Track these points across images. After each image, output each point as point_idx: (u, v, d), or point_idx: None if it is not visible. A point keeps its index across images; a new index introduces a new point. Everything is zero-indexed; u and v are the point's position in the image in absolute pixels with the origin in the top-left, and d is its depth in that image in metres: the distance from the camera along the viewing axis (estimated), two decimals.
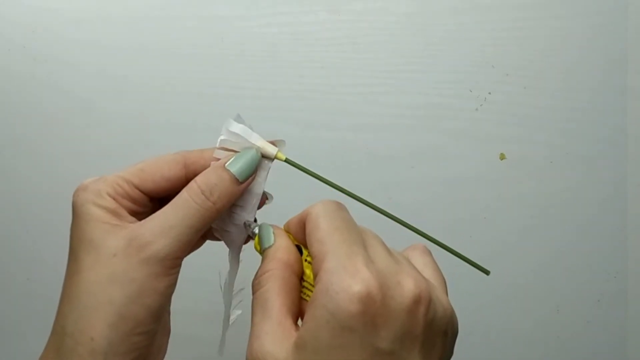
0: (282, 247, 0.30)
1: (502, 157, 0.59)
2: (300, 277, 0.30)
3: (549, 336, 0.60)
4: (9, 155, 0.60)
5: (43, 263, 0.59)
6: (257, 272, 0.30)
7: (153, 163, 0.33)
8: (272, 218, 0.33)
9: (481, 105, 0.59)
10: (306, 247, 0.30)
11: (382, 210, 0.34)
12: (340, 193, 0.33)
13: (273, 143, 0.34)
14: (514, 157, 0.59)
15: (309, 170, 0.33)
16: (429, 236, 0.33)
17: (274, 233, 0.31)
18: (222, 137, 0.33)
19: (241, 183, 0.31)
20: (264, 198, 0.34)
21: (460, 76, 0.59)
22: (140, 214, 0.32)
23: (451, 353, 0.28)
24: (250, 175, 0.32)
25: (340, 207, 0.29)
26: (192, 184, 0.30)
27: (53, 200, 0.60)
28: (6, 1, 0.59)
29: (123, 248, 0.28)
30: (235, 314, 0.35)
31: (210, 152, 0.33)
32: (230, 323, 0.35)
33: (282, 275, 0.29)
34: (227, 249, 0.35)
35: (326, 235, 0.27)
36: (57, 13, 0.59)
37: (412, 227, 0.33)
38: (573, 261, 0.60)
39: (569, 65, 0.59)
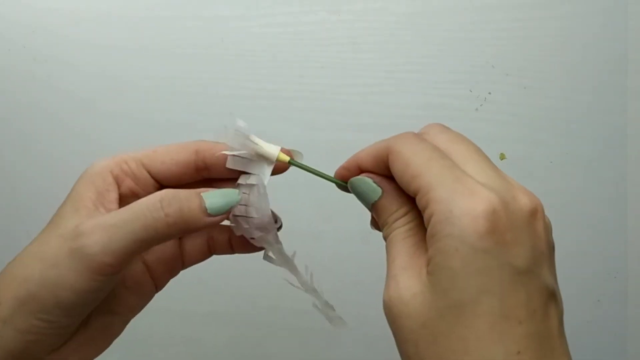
0: (393, 190, 0.27)
1: (502, 157, 0.59)
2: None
3: None
4: (9, 155, 0.60)
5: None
6: (384, 221, 0.28)
7: (166, 146, 0.32)
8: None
9: (481, 105, 0.59)
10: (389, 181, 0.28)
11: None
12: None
13: (288, 153, 0.32)
14: (514, 157, 0.59)
15: (315, 170, 0.32)
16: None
17: (375, 182, 0.28)
18: (236, 125, 0.32)
19: (209, 216, 0.28)
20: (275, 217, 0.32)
21: (460, 76, 0.59)
22: (141, 197, 0.31)
23: None
24: (221, 215, 0.29)
25: (419, 137, 0.27)
26: (155, 193, 0.28)
27: (53, 200, 0.60)
28: (6, 1, 0.59)
29: (67, 231, 0.27)
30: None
31: (223, 145, 0.32)
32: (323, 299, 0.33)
33: (410, 217, 0.27)
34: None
35: (422, 168, 0.25)
36: (57, 13, 0.59)
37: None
38: (573, 261, 0.60)
39: (569, 65, 0.59)
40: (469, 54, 0.59)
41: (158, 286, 0.33)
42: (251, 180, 0.32)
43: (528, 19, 0.59)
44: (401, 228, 0.27)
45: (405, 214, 0.27)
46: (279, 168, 0.32)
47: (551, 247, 0.25)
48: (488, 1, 0.59)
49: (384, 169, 0.28)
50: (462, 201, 0.23)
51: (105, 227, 0.26)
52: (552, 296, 0.25)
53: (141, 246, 0.27)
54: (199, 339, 0.59)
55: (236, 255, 0.35)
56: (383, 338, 0.62)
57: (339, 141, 0.59)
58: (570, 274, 0.61)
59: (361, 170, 0.29)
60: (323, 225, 0.59)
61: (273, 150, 0.32)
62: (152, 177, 0.31)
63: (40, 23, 0.59)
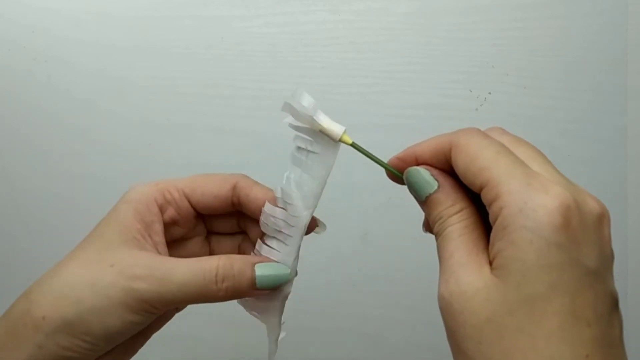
0: (450, 185, 0.27)
1: None
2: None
3: None
4: (9, 155, 0.60)
5: (43, 263, 0.59)
6: (436, 216, 0.27)
7: (205, 177, 0.33)
8: None
9: (481, 105, 0.59)
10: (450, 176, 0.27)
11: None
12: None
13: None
14: None
15: (373, 156, 0.31)
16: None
17: (432, 174, 0.27)
18: (286, 120, 0.31)
19: (256, 289, 0.30)
20: (314, 224, 0.32)
21: (460, 76, 0.59)
22: (180, 226, 0.33)
23: None
24: (269, 289, 0.31)
25: (484, 133, 0.27)
26: (215, 259, 0.30)
27: (53, 200, 0.60)
28: (6, 1, 0.59)
29: (121, 265, 0.28)
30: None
31: (262, 188, 0.32)
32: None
33: (467, 213, 0.26)
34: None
35: (491, 161, 0.24)
36: (57, 13, 0.59)
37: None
38: None
39: (569, 65, 0.59)
40: (469, 54, 0.59)
41: (168, 314, 0.35)
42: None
43: (528, 19, 0.59)
44: (457, 224, 0.26)
45: (461, 210, 0.26)
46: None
47: (613, 256, 0.25)
48: (488, 1, 0.59)
49: (443, 163, 0.27)
50: (537, 194, 0.23)
51: (163, 279, 0.28)
52: (616, 303, 0.25)
53: (188, 303, 0.30)
54: (199, 339, 0.59)
55: None
56: (383, 338, 0.62)
57: None
58: None
59: (418, 163, 0.29)
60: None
61: (338, 129, 0.31)
62: (193, 207, 0.32)
63: (40, 23, 0.59)
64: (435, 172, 0.28)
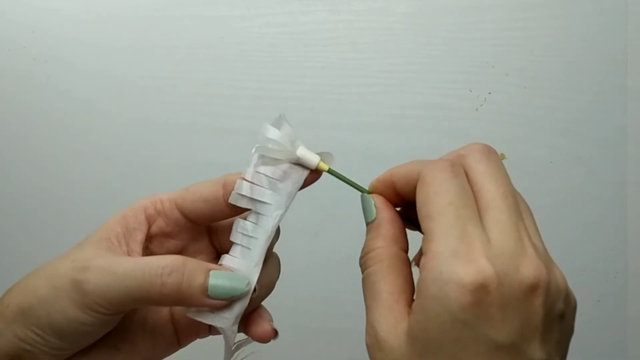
0: (385, 221, 0.27)
1: (502, 157, 0.59)
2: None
3: None
4: (9, 155, 0.60)
5: (43, 263, 0.59)
6: (362, 249, 0.27)
7: (198, 184, 0.31)
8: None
9: (481, 105, 0.59)
10: (412, 204, 0.27)
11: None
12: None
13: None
14: (514, 157, 0.59)
15: (350, 180, 0.30)
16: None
17: (375, 205, 0.28)
18: (257, 146, 0.30)
19: (208, 298, 0.27)
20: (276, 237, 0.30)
21: (460, 76, 0.59)
22: (174, 239, 0.31)
23: (571, 331, 0.26)
24: (222, 300, 0.28)
25: (456, 171, 0.25)
26: (169, 256, 0.27)
27: (53, 200, 0.60)
28: (6, 1, 0.59)
29: (79, 261, 0.27)
30: None
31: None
32: None
33: (388, 254, 0.26)
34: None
35: (437, 212, 0.24)
36: (57, 13, 0.59)
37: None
38: (573, 261, 0.60)
39: (569, 65, 0.59)
40: (469, 54, 0.59)
41: (181, 341, 0.32)
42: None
43: (528, 19, 0.59)
44: (379, 264, 0.26)
45: (389, 246, 0.26)
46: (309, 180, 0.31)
47: (553, 319, 0.24)
48: (488, 1, 0.59)
49: (413, 191, 0.27)
50: (455, 266, 0.22)
51: (107, 270, 0.27)
52: None
53: (134, 303, 0.27)
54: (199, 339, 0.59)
55: None
56: None
57: (338, 141, 0.59)
58: (570, 274, 0.61)
59: (394, 186, 0.28)
60: (322, 224, 0.59)
61: (313, 157, 0.30)
62: (186, 217, 0.31)
63: (40, 23, 0.59)
64: (381, 204, 0.28)
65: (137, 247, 0.30)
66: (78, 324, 0.27)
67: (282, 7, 0.59)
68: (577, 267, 0.60)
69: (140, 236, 0.30)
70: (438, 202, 0.24)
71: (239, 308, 0.28)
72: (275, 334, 0.31)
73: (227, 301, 0.28)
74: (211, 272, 0.28)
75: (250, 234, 0.29)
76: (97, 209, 0.55)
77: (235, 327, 0.29)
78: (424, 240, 0.24)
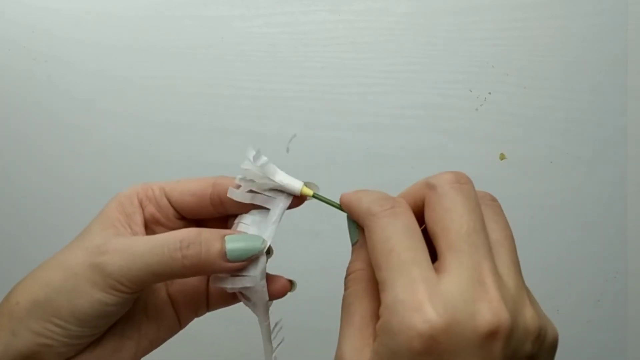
0: (365, 245, 0.27)
1: (502, 157, 0.59)
2: None
3: None
4: (9, 155, 0.60)
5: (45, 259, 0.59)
6: (347, 267, 0.28)
7: (191, 178, 0.32)
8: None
9: (481, 105, 0.59)
10: None
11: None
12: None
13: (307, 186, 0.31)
14: (514, 157, 0.59)
15: (335, 203, 0.30)
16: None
17: (358, 227, 0.28)
18: (244, 167, 0.31)
19: (227, 262, 0.28)
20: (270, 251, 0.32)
21: (460, 76, 0.59)
22: (162, 225, 0.32)
23: None
24: (241, 262, 0.29)
25: (396, 213, 0.25)
26: (184, 230, 0.29)
27: (53, 200, 0.60)
28: (6, 1, 0.59)
29: (92, 246, 0.28)
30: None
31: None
32: None
33: (366, 277, 0.27)
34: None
35: (383, 260, 0.24)
36: (57, 13, 0.59)
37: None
38: (573, 261, 0.60)
39: (569, 65, 0.59)
40: (469, 54, 0.59)
41: (181, 321, 0.33)
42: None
43: (528, 19, 0.59)
44: (358, 286, 0.26)
45: (368, 269, 0.27)
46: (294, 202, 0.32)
47: None
48: (488, 1, 0.59)
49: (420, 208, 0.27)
50: (404, 316, 0.22)
51: (125, 252, 0.27)
52: None
53: (156, 279, 0.28)
54: (199, 339, 0.59)
55: None
56: None
57: (338, 141, 0.59)
58: (570, 274, 0.61)
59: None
60: (321, 224, 0.59)
61: (296, 184, 0.31)
62: (172, 206, 0.32)
63: (40, 23, 0.59)
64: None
65: (140, 229, 0.31)
66: (102, 305, 0.27)
67: (282, 7, 0.59)
68: (577, 267, 0.60)
69: (139, 218, 0.31)
70: (379, 249, 0.24)
71: (261, 265, 0.30)
72: (291, 284, 0.32)
73: (247, 261, 0.29)
74: (227, 237, 0.29)
75: (266, 194, 0.31)
76: (97, 208, 0.54)
77: (264, 282, 0.30)
78: (379, 289, 0.24)
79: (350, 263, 0.28)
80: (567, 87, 0.59)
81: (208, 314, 0.61)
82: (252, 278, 0.30)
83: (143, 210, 0.31)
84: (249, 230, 0.30)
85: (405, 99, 0.59)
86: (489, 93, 0.59)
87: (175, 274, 0.28)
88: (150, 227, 0.32)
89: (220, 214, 0.32)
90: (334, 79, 0.59)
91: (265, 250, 0.30)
